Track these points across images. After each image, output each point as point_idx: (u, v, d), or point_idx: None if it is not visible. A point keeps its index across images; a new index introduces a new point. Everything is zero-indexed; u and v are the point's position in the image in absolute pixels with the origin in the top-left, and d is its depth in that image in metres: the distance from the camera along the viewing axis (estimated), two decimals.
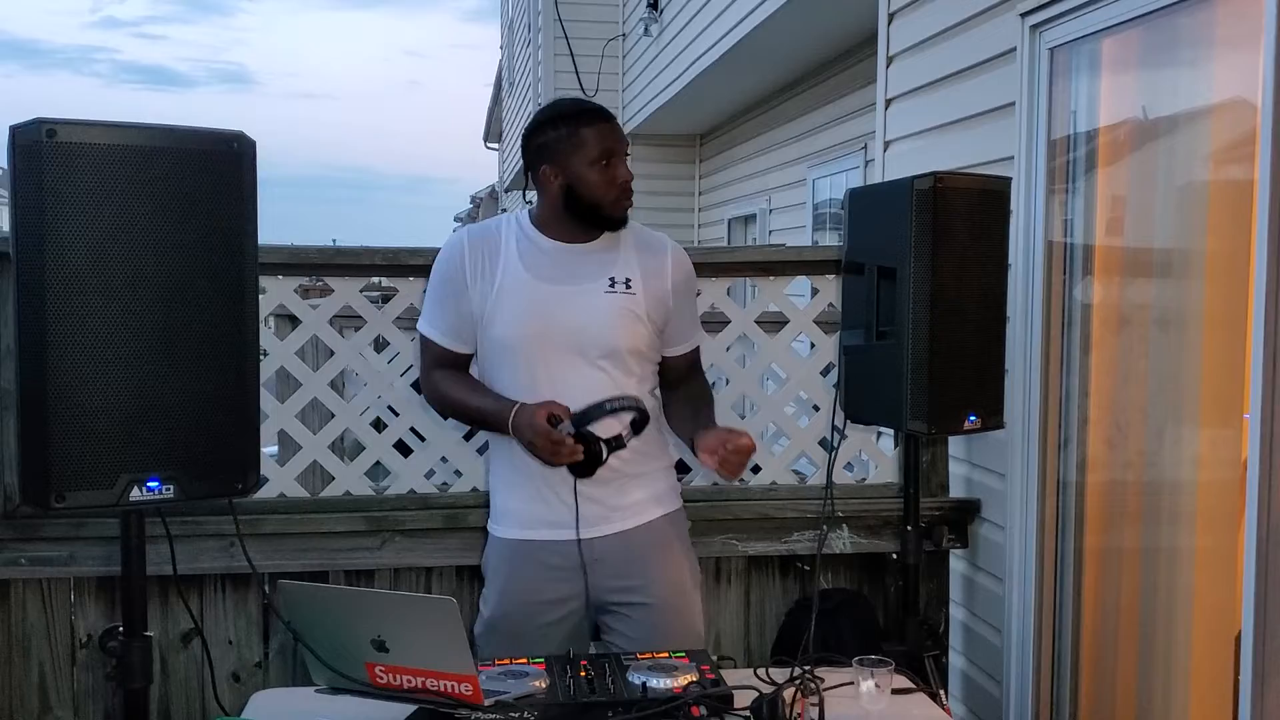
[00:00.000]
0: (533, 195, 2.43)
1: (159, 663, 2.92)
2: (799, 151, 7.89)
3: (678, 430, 2.50)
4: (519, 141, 2.46)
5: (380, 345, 3.15)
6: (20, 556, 2.83)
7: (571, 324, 2.35)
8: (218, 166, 1.88)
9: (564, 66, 10.32)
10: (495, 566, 2.48)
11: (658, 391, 2.53)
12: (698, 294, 2.66)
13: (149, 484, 1.84)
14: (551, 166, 2.35)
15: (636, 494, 2.43)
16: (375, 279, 3.76)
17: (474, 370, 2.50)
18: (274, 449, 3.39)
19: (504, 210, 15.35)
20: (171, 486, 1.87)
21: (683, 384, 2.56)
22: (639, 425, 2.33)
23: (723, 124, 9.85)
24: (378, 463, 3.12)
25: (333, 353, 3.09)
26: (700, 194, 10.81)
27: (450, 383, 2.46)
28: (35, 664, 2.91)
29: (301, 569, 2.87)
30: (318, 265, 3.13)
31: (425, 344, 2.50)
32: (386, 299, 3.56)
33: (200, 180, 1.85)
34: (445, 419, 2.87)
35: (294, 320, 3.16)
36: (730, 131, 9.72)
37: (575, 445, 2.22)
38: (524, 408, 2.27)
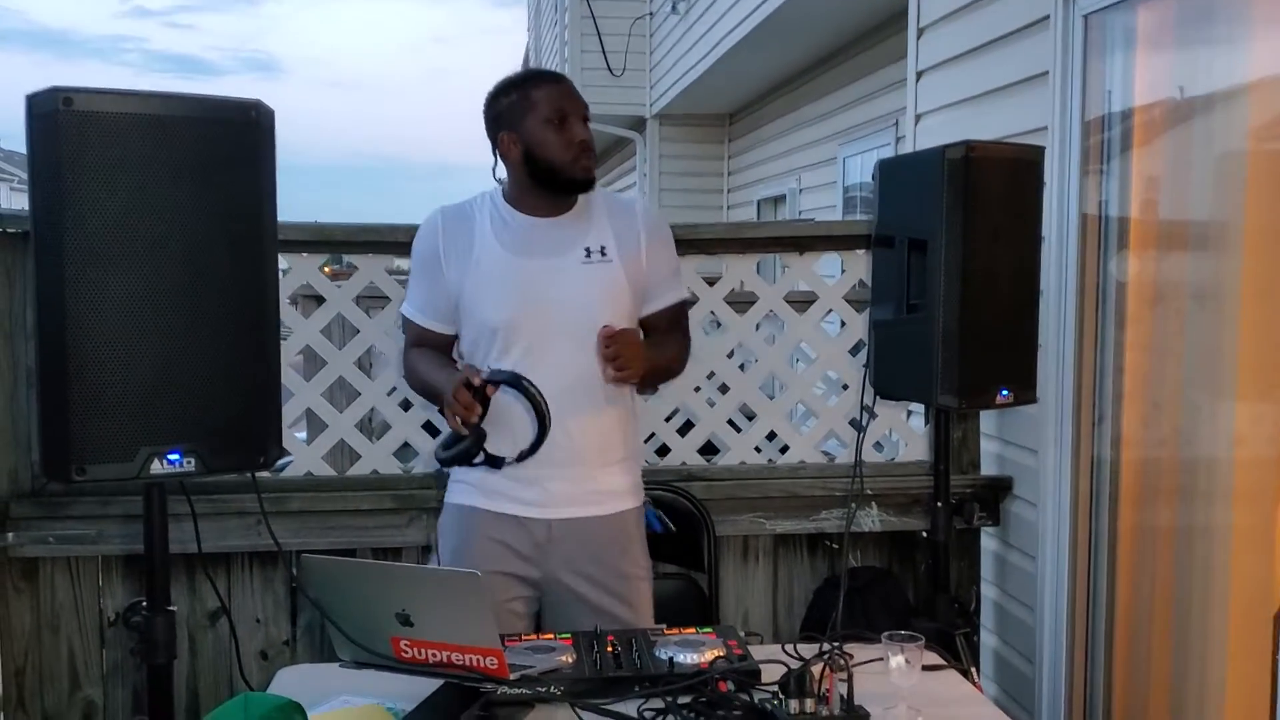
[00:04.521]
0: (502, 174, 2.41)
1: (187, 641, 2.93)
2: (829, 129, 7.81)
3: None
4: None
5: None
6: (48, 535, 2.85)
7: (550, 300, 2.31)
8: (236, 135, 1.86)
9: (591, 46, 10.26)
10: (450, 531, 2.43)
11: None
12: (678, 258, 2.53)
13: (169, 457, 1.83)
14: (509, 133, 2.34)
15: (604, 483, 2.38)
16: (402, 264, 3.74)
17: (455, 355, 2.46)
18: (305, 434, 3.38)
19: None
20: (192, 460, 1.85)
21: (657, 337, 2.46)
22: (537, 446, 2.25)
23: (752, 103, 9.77)
24: (406, 444, 3.11)
25: (358, 331, 3.08)
26: (729, 174, 10.72)
27: (418, 360, 2.44)
28: (64, 642, 2.92)
29: (328, 546, 2.86)
30: (342, 242, 3.12)
31: (406, 325, 2.50)
32: None
33: (219, 149, 1.83)
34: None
35: (319, 299, 3.15)
36: (759, 110, 9.64)
37: (472, 403, 2.16)
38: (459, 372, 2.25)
